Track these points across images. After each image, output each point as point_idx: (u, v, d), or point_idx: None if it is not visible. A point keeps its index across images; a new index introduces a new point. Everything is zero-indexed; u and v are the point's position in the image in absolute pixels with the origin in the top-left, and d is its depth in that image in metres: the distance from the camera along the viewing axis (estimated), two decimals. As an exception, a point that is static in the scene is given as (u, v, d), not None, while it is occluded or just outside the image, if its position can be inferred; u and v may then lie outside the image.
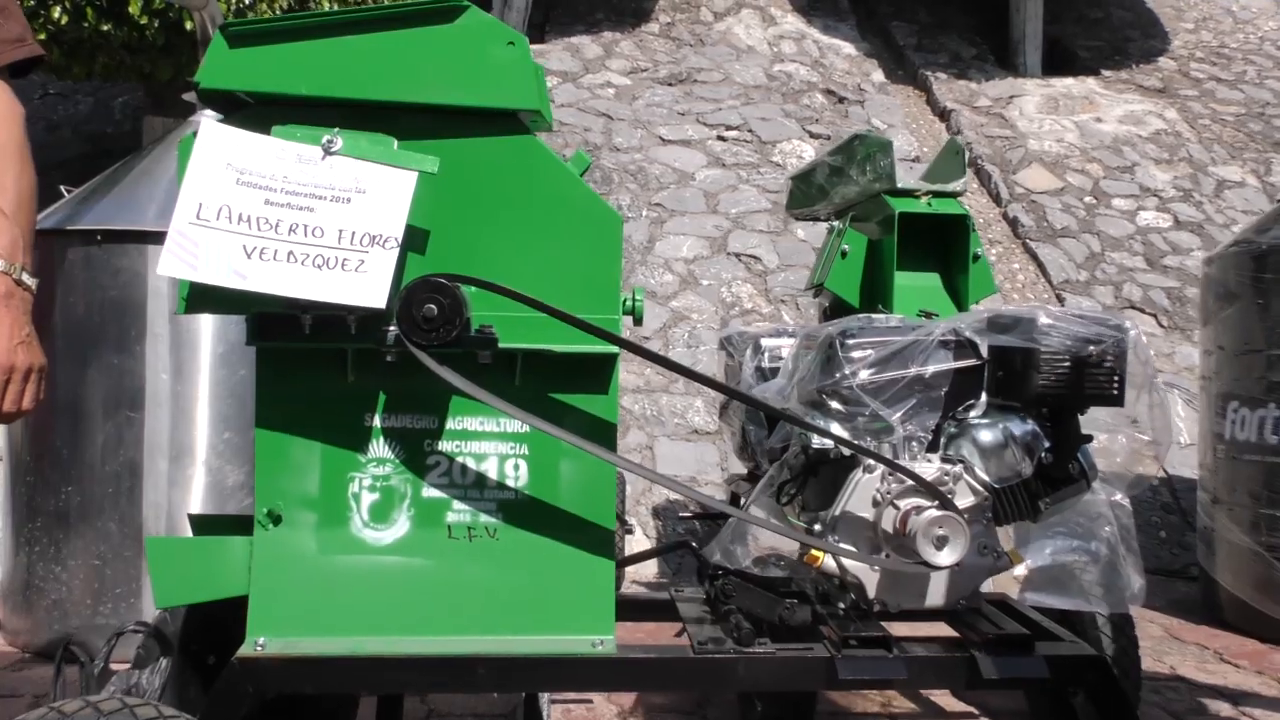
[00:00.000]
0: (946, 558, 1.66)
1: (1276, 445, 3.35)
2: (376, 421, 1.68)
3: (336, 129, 1.59)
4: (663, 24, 8.82)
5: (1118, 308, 6.06)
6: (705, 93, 7.81)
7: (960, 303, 2.57)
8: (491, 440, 1.70)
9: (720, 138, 7.27)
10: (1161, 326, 5.97)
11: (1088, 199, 6.96)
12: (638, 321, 1.81)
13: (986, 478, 1.79)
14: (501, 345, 1.64)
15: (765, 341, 3.68)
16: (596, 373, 1.72)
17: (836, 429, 1.78)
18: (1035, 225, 6.70)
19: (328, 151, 1.58)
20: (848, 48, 8.74)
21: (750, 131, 7.38)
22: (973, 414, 1.83)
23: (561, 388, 1.71)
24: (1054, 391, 1.74)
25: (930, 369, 1.79)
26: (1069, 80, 8.50)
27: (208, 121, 1.56)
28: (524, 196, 1.68)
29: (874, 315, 1.96)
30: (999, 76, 8.50)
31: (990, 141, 7.40)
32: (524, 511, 1.71)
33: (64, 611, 2.94)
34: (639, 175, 6.83)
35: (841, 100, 7.91)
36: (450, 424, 1.70)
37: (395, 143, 1.62)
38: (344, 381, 1.66)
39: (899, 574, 1.74)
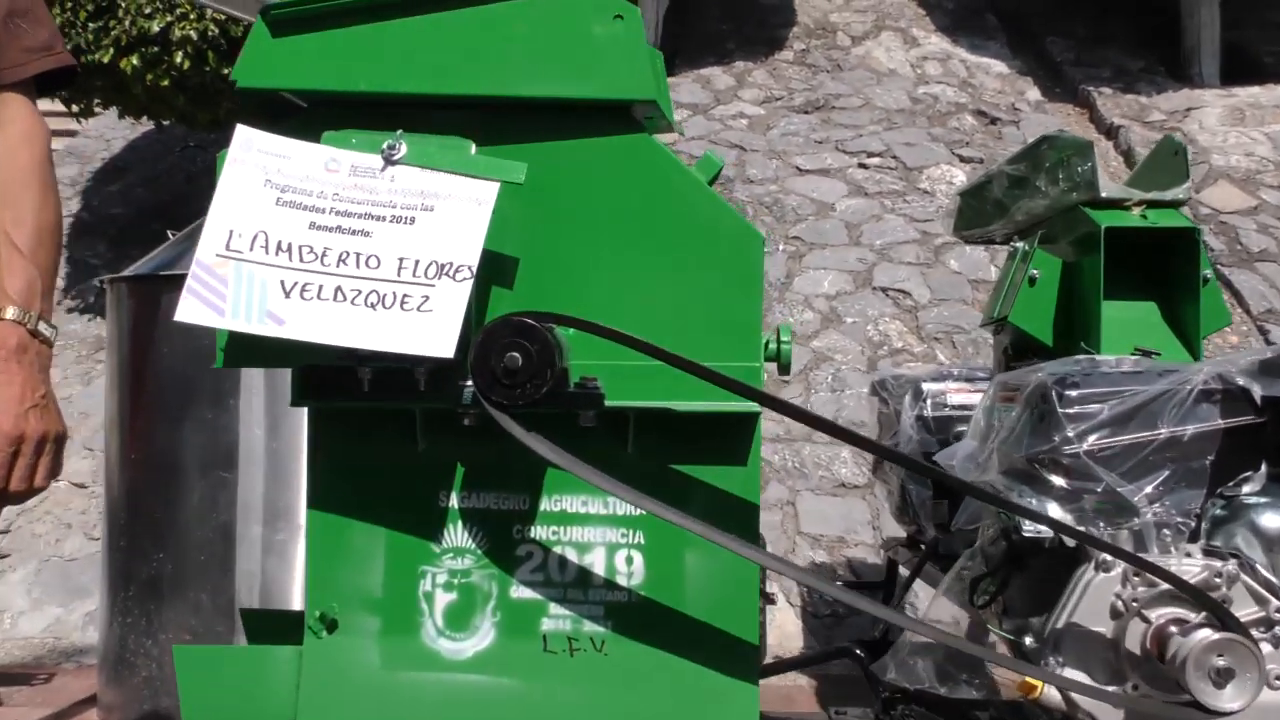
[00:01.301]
0: (1232, 698, 1.18)
1: None
2: (453, 502, 1.33)
3: (400, 131, 1.26)
4: (797, 51, 8.43)
5: (1333, 340, 5.26)
6: (844, 119, 7.36)
7: (1187, 337, 2.05)
8: (599, 525, 1.33)
9: (861, 165, 6.80)
10: (1390, 361, 5.13)
11: (1287, 218, 6.15)
12: (784, 369, 1.41)
13: (1275, 579, 1.30)
14: (609, 403, 1.27)
15: (927, 386, 3.20)
16: (733, 437, 1.32)
17: (1055, 510, 1.33)
18: (1227, 249, 5.95)
19: (389, 160, 1.25)
20: (998, 66, 8.14)
21: (894, 157, 6.88)
22: (1248, 489, 1.34)
23: (688, 457, 1.33)
24: (1376, 462, 1.24)
25: (1189, 429, 1.32)
26: (1255, 89, 7.66)
27: (242, 128, 1.25)
28: (637, 211, 1.31)
29: (1096, 357, 1.50)
30: (1172, 89, 7.73)
31: (1167, 158, 6.67)
32: (640, 619, 1.32)
33: (154, 690, 2.72)
34: (775, 208, 6.42)
35: (994, 121, 7.33)
36: (545, 505, 1.33)
37: (473, 147, 1.28)
38: (413, 451, 1.32)
39: (1156, 716, 1.27)
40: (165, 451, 2.72)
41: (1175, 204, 2.11)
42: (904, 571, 3.41)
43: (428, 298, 1.18)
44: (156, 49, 4.16)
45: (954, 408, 3.12)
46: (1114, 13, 8.99)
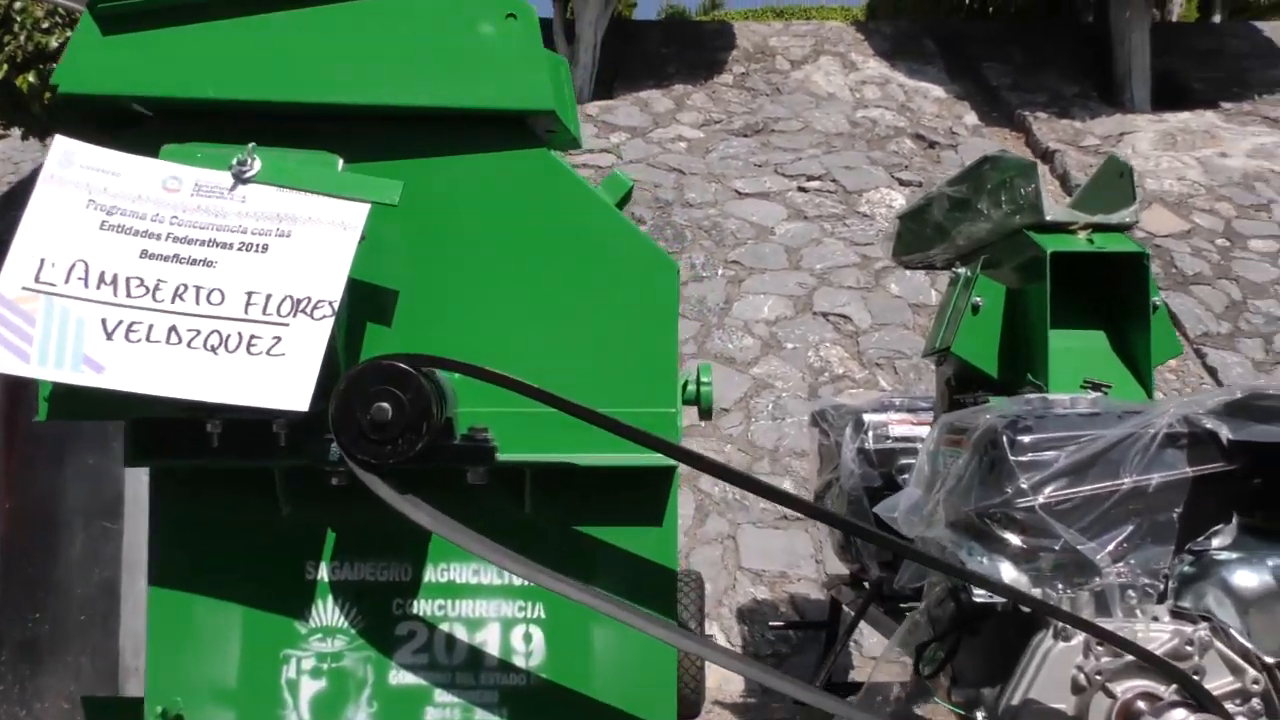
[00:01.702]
0: (1209, 787, 1.04)
1: None
2: (322, 573, 1.14)
3: (253, 145, 1.09)
4: (736, 74, 8.38)
5: (1270, 363, 5.27)
6: (783, 142, 7.29)
7: (1138, 368, 1.94)
8: (492, 598, 1.15)
9: (801, 189, 6.73)
10: (1324, 383, 5.15)
11: (1220, 241, 6.20)
12: (704, 414, 1.25)
13: (1250, 645, 1.16)
14: (502, 458, 1.10)
15: (868, 418, 3.06)
16: (646, 494, 1.16)
17: (1008, 571, 1.18)
18: (1162, 273, 5.96)
19: (240, 178, 1.07)
20: (936, 90, 8.15)
21: (834, 181, 6.82)
22: (1219, 543, 1.21)
23: (595, 517, 1.16)
24: (1359, 512, 1.12)
25: (1154, 478, 1.18)
26: (1185, 114, 7.76)
27: (62, 140, 1.06)
28: (535, 237, 1.15)
29: (1049, 396, 1.36)
30: (1105, 114, 7.80)
31: (1102, 182, 6.69)
32: (541, 705, 1.14)
33: (30, 763, 2.46)
34: (714, 231, 6.31)
35: (932, 145, 7.31)
36: (431, 575, 1.15)
37: (340, 163, 1.11)
38: (274, 516, 1.13)
39: (1126, 806, 1.12)
40: (43, 500, 2.48)
41: (1122, 227, 2.00)
42: (848, 610, 3.28)
43: (279, 339, 1.00)
44: (55, 65, 3.91)
45: (896, 439, 3.00)
46: (1049, 40, 9.09)
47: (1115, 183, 2.06)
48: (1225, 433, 1.17)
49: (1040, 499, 1.16)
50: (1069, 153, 7.08)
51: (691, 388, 1.22)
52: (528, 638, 1.14)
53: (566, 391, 1.07)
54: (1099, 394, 1.89)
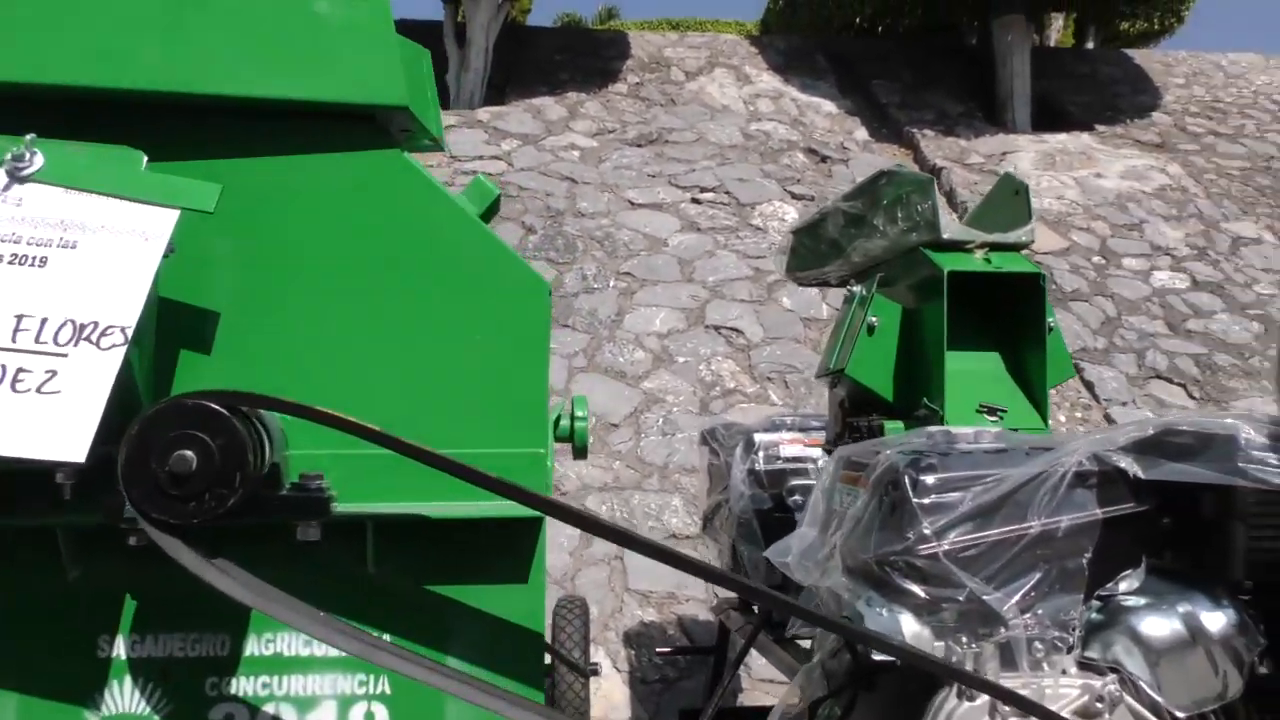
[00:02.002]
0: None
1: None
2: (119, 649, 0.96)
3: (32, 136, 0.90)
4: (631, 84, 8.30)
5: (1142, 378, 5.43)
6: (677, 153, 7.24)
7: (1033, 391, 1.89)
8: (327, 671, 0.99)
9: (695, 200, 6.67)
10: (1192, 398, 5.33)
11: (1096, 259, 6.38)
12: (579, 453, 1.11)
13: (1161, 699, 1.08)
14: (340, 510, 0.94)
15: (759, 437, 2.97)
16: (509, 548, 1.02)
17: (909, 624, 1.08)
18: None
19: (15, 176, 0.89)
20: (828, 106, 8.23)
21: (727, 193, 6.79)
22: (1126, 587, 1.13)
23: (450, 575, 1.01)
24: (1272, 557, 1.06)
25: (1063, 521, 1.10)
26: (1063, 136, 8.02)
27: None
28: (384, 252, 1.00)
29: (950, 430, 1.27)
30: (989, 133, 8.00)
31: (986, 200, 6.83)
32: (385, 795, 0.98)
33: None
34: (606, 242, 6.19)
35: (824, 159, 7.36)
36: (253, 647, 0.98)
37: (144, 161, 0.93)
38: (59, 581, 0.95)
39: None
40: None
41: (1018, 246, 1.95)
42: (737, 636, 3.18)
43: (54, 373, 0.82)
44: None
45: (787, 460, 2.92)
46: (936, 59, 9.30)
47: (1010, 201, 2.01)
48: (1136, 471, 1.09)
49: (944, 545, 1.06)
50: (955, 170, 7.22)
51: (565, 423, 1.09)
52: (369, 716, 0.98)
53: (421, 430, 0.92)
54: (999, 425, 1.84)
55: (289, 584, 0.90)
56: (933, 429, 1.26)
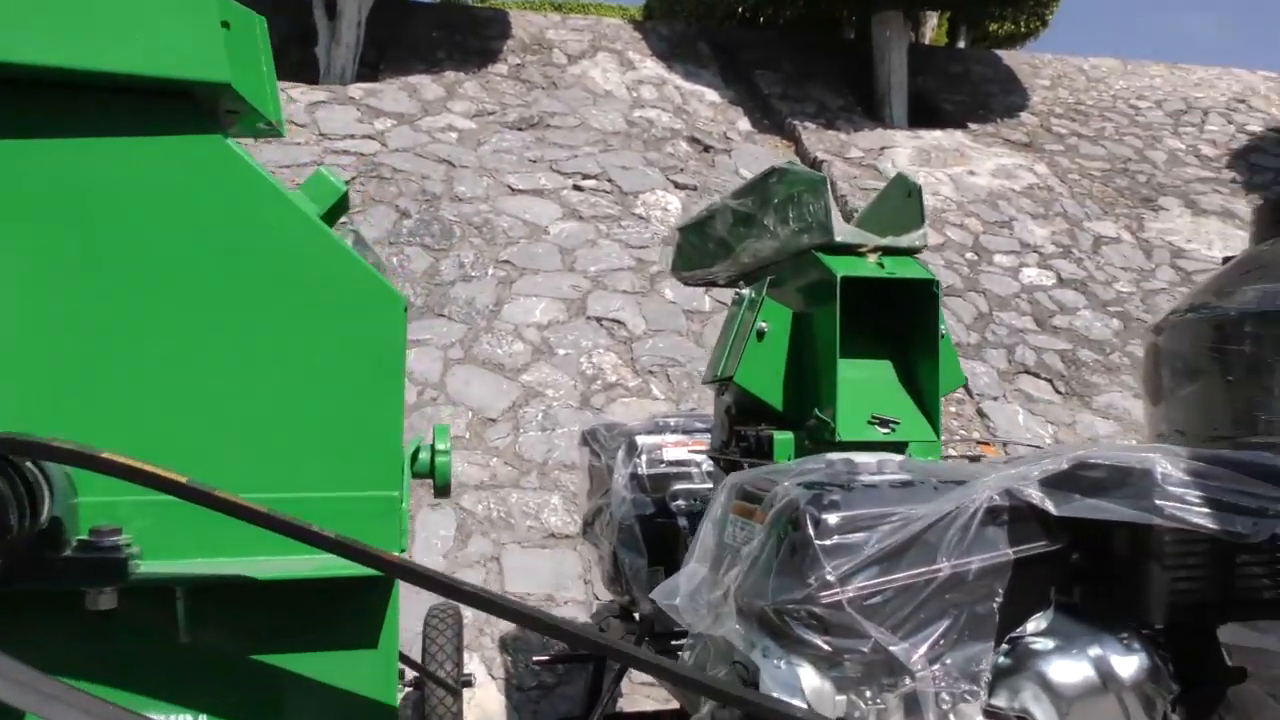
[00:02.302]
0: None
1: (1263, 554, 2.75)
2: None
3: None
4: (511, 65, 8.07)
5: (1012, 373, 5.57)
6: (559, 139, 7.07)
7: (925, 401, 1.83)
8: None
9: (577, 187, 6.52)
10: (1059, 393, 5.50)
11: (969, 255, 6.53)
12: (441, 489, 0.97)
13: (1072, 750, 1.01)
14: (141, 572, 0.77)
15: (641, 440, 2.87)
16: (354, 610, 0.87)
17: (809, 677, 0.98)
18: (919, 284, 6.20)
19: None
20: (711, 95, 8.19)
21: (610, 181, 6.66)
22: (1034, 628, 1.05)
23: (284, 643, 0.85)
24: (1188, 599, 0.99)
25: (974, 562, 1.01)
26: (938, 132, 8.19)
27: None
28: (205, 257, 0.83)
29: (854, 457, 1.17)
30: (868, 128, 8.10)
31: (865, 194, 6.91)
32: None
33: None
34: (484, 229, 5.99)
35: (707, 149, 7.31)
36: (32, 738, 0.80)
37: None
38: None
39: None
40: None
41: (911, 250, 1.88)
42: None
43: None
44: None
45: (670, 464, 2.82)
46: (817, 52, 9.37)
47: (903, 203, 1.95)
48: (1049, 507, 1.01)
49: (849, 592, 0.96)
50: (835, 164, 7.28)
51: (424, 456, 0.94)
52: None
53: (251, 470, 0.76)
54: (892, 436, 1.77)
55: (83, 662, 0.73)
56: (833, 456, 1.16)
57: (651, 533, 2.72)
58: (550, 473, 4.45)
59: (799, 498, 1.01)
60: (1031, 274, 6.46)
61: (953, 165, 7.57)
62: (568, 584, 3.96)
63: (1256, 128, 9.15)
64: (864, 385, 1.84)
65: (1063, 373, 5.63)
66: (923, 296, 1.83)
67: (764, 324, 1.88)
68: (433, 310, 5.29)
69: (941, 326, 1.84)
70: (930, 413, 1.82)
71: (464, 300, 5.38)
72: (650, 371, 5.15)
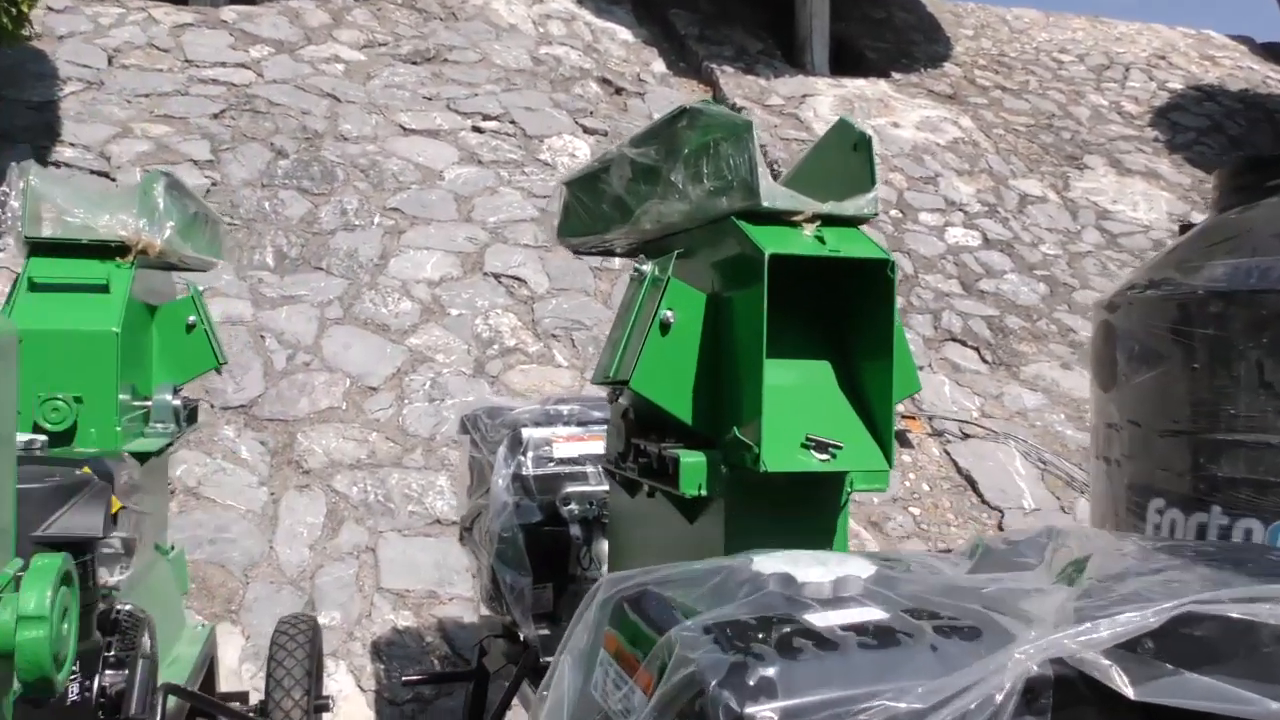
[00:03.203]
0: None
1: (1223, 562, 2.46)
2: None
3: None
4: (407, -8, 7.38)
5: (938, 340, 5.27)
6: (458, 74, 6.47)
7: (874, 415, 1.43)
8: None
9: (476, 129, 5.96)
10: (985, 362, 5.23)
11: (894, 213, 6.19)
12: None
13: None
14: None
15: (529, 433, 2.41)
16: None
17: None
18: (842, 242, 5.84)
19: None
20: (624, 33, 7.65)
21: (513, 123, 6.11)
22: None
23: None
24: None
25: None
26: (860, 81, 7.81)
27: None
28: None
29: (796, 570, 0.76)
30: (789, 74, 7.67)
31: (786, 145, 6.51)
32: None
33: None
34: (371, 172, 5.40)
35: (619, 91, 6.80)
36: None
37: None
38: None
39: None
40: None
41: (858, 221, 1.47)
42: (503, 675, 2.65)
43: None
44: None
45: (562, 462, 2.39)
46: (736, -9, 8.88)
47: (847, 158, 1.52)
48: (1125, 684, 0.60)
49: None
50: (755, 111, 6.84)
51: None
52: None
53: None
54: (830, 465, 1.36)
55: None
56: (764, 565, 0.74)
57: (537, 545, 2.29)
58: (438, 450, 3.98)
59: (706, 670, 0.59)
60: (957, 234, 6.16)
61: (876, 116, 7.21)
62: (453, 579, 3.52)
63: (1177, 85, 9.02)
64: (796, 394, 1.43)
65: (990, 341, 5.35)
66: (873, 280, 1.42)
67: (669, 312, 1.44)
68: (309, 263, 4.72)
69: (895, 319, 1.43)
70: (880, 431, 1.42)
71: (345, 252, 4.82)
72: (553, 335, 4.69)
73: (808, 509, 1.47)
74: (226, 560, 3.34)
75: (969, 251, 6.01)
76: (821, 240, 1.40)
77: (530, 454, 2.30)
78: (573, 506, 2.30)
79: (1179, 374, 2.63)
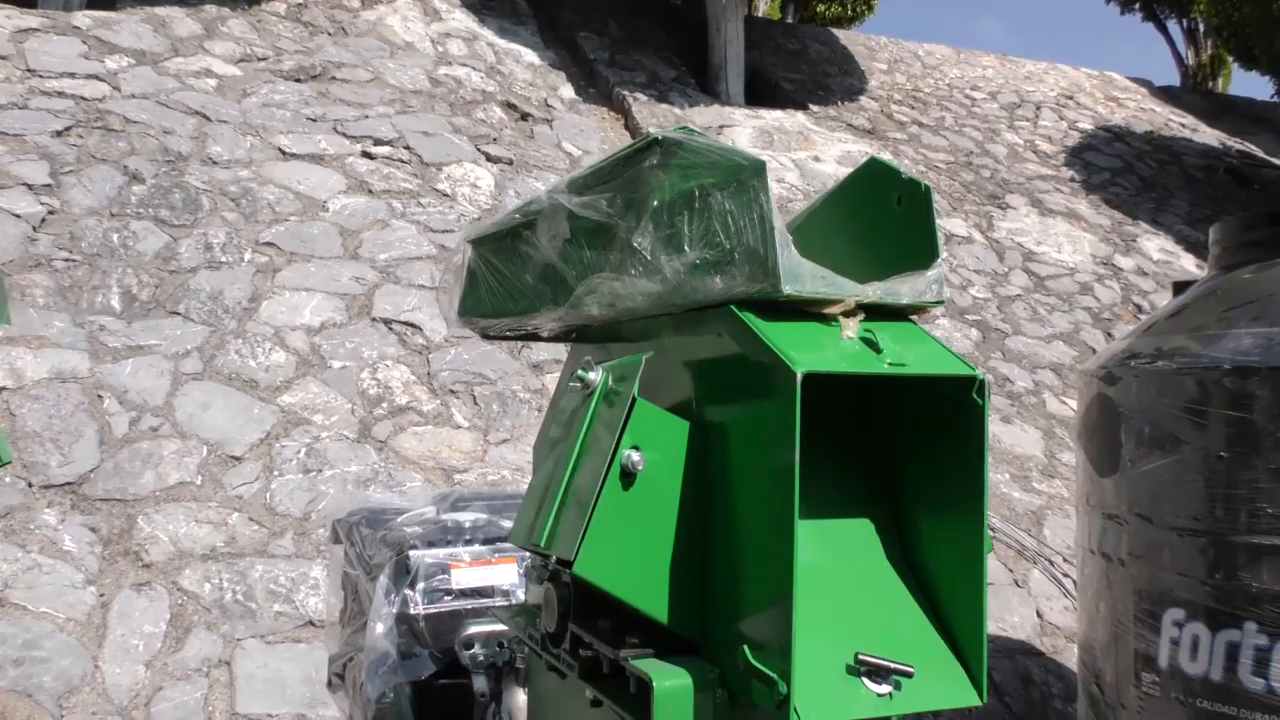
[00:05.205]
0: None
1: (1260, 693, 2.06)
2: None
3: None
4: (291, 4, 6.74)
5: (872, 391, 4.87)
6: (347, 94, 5.85)
7: (952, 604, 0.94)
8: None
9: (366, 154, 5.36)
10: (922, 414, 4.84)
11: (819, 252, 5.80)
12: None
13: None
14: None
15: (418, 556, 1.86)
16: None
17: None
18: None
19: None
20: (530, 55, 7.14)
21: (407, 148, 5.53)
22: None
23: None
24: None
25: None
26: (779, 113, 7.47)
27: None
28: None
29: None
30: (704, 103, 7.29)
31: (704, 178, 6.07)
32: None
33: None
34: (243, 201, 4.75)
35: (525, 117, 6.28)
36: None
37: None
38: None
39: None
40: None
41: (914, 310, 0.98)
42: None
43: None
44: None
45: (462, 594, 1.85)
46: (647, 16, 8.48)
47: (886, 215, 1.04)
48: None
49: None
50: (670, 141, 6.40)
51: None
52: None
53: None
54: (897, 702, 0.86)
55: None
56: None
57: (429, 707, 1.73)
58: (312, 533, 3.35)
59: None
60: (884, 274, 5.80)
61: (797, 149, 6.86)
62: (328, 699, 2.90)
63: (1087, 125, 8.97)
64: (837, 578, 0.93)
65: (924, 390, 4.98)
66: (950, 401, 0.93)
67: (634, 452, 0.93)
68: (163, 306, 4.04)
69: (985, 459, 0.94)
70: (964, 637, 0.93)
71: (208, 293, 4.16)
72: (452, 390, 4.11)
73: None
74: (35, 687, 2.66)
75: (899, 295, 5.67)
76: (874, 345, 0.91)
77: (420, 585, 1.74)
78: (476, 651, 1.75)
79: (1198, 462, 2.23)
